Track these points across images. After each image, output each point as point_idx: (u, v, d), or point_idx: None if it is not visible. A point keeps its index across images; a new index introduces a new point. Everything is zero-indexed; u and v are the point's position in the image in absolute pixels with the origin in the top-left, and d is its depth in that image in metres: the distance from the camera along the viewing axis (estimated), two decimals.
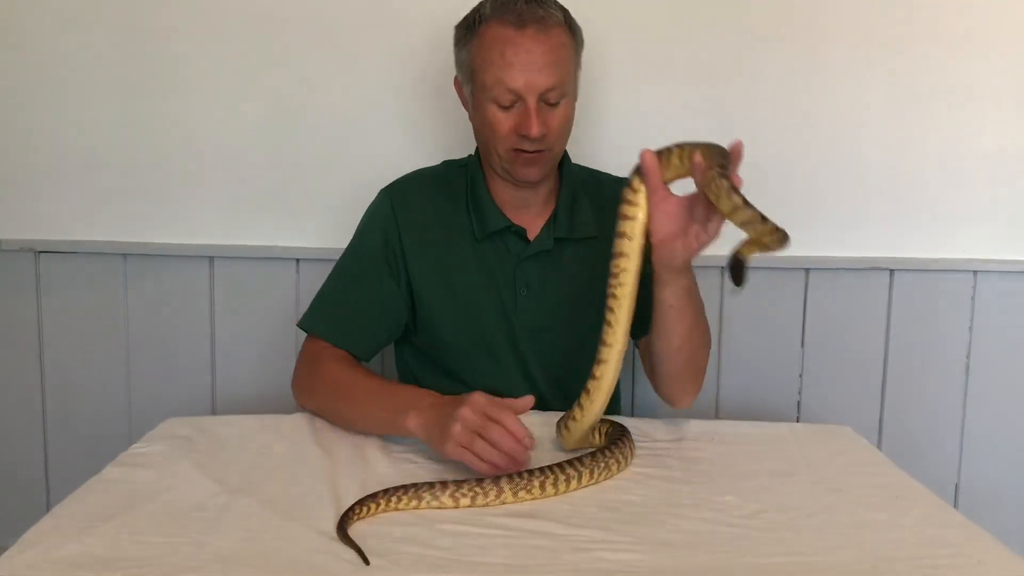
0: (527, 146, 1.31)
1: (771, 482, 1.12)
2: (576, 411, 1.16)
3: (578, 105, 1.38)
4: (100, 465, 1.11)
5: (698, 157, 1.05)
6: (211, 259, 1.73)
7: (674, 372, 1.32)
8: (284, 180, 1.72)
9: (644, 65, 1.72)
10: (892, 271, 1.76)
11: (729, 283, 1.09)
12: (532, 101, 1.29)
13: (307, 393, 1.36)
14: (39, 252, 1.73)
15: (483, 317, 1.42)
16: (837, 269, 1.75)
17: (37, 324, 1.74)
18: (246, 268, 1.74)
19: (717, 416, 1.77)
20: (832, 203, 1.75)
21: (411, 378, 1.50)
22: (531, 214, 1.43)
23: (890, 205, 1.75)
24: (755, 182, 1.69)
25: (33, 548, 0.90)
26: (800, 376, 1.79)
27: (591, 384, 1.15)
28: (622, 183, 1.37)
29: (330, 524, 0.96)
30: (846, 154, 1.74)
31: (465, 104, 1.40)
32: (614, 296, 1.13)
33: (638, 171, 1.12)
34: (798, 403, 1.79)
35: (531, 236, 1.41)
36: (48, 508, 1.68)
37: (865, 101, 1.72)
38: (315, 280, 1.72)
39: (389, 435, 1.23)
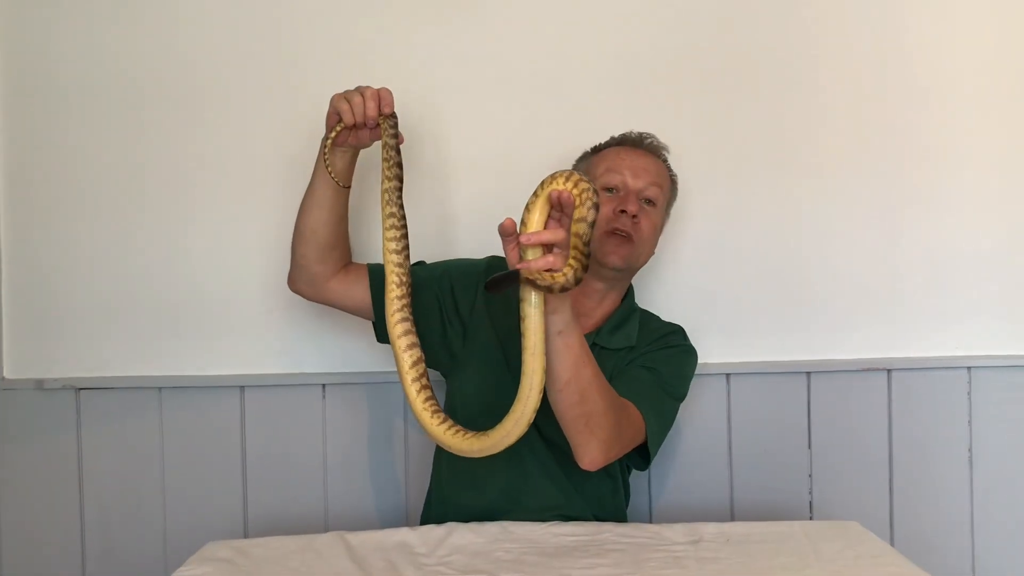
0: (622, 223, 1.52)
1: None
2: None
3: None
4: None
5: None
6: (242, 388, 1.81)
7: (567, 415, 1.30)
8: (308, 310, 1.79)
9: None
10: (889, 371, 1.83)
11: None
12: (633, 186, 1.56)
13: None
14: (79, 389, 1.80)
15: (502, 386, 1.43)
16: (836, 371, 1.83)
17: (77, 458, 1.80)
18: (275, 395, 1.81)
19: (732, 518, 1.81)
20: (828, 308, 1.83)
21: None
22: (587, 317, 1.58)
23: (883, 308, 1.84)
24: (756, 289, 1.81)
25: None
26: (810, 476, 1.84)
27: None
28: (668, 327, 1.63)
29: None
30: (838, 262, 1.83)
31: None
32: None
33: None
34: (810, 502, 1.84)
35: None
36: None
37: (854, 211, 1.82)
38: (340, 403, 1.81)
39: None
